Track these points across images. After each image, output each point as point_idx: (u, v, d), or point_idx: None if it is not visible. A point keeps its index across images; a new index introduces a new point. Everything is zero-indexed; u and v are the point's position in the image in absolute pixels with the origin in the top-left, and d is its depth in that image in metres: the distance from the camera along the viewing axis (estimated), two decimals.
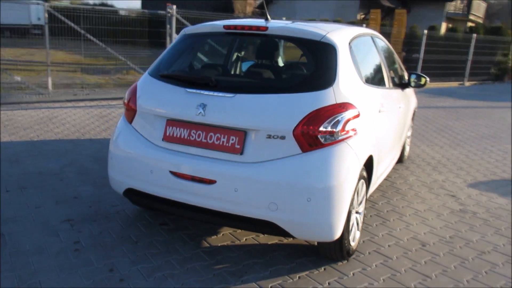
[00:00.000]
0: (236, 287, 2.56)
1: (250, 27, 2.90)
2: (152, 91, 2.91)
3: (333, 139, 2.48)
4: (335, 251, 2.76)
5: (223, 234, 3.20)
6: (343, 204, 2.50)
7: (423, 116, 8.72)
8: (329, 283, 2.63)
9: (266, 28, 2.84)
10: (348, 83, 2.69)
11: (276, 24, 2.90)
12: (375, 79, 3.39)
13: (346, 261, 2.88)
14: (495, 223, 3.65)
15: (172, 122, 2.74)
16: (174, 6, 8.58)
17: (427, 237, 3.32)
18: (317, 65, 2.68)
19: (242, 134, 2.55)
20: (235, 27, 2.95)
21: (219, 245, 3.05)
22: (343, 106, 2.54)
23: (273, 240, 3.14)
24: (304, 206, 2.43)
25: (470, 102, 11.44)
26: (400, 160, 5.17)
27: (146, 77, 3.07)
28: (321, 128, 2.45)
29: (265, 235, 3.17)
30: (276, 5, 26.92)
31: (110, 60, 10.25)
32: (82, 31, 7.75)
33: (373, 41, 3.71)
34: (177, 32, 8.80)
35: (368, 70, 3.27)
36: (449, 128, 7.74)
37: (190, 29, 3.19)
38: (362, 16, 24.52)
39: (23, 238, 3.01)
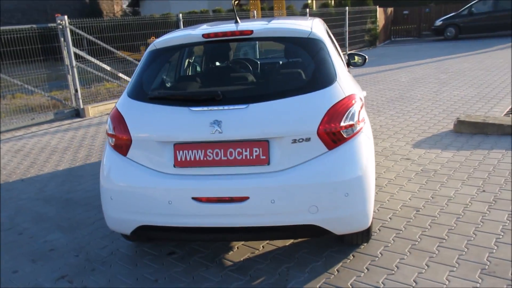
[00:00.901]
0: None
1: (233, 33, 2.80)
2: (146, 116, 2.65)
3: (351, 132, 2.55)
4: (362, 237, 2.87)
5: (238, 248, 3.11)
6: (372, 190, 2.60)
7: None
8: (367, 269, 2.74)
9: (251, 32, 2.76)
10: (343, 75, 2.76)
11: (260, 27, 2.84)
12: (345, 65, 3.53)
13: (366, 243, 3.02)
14: (456, 175, 4.10)
15: (181, 145, 2.55)
16: (66, 17, 7.81)
17: (414, 202, 3.61)
18: (315, 61, 2.70)
19: (265, 143, 2.48)
20: (216, 34, 2.81)
21: (241, 259, 2.95)
22: (351, 98, 2.61)
23: (288, 241, 3.14)
24: (343, 202, 2.47)
25: (361, 70, 12.45)
26: None
27: (128, 101, 2.79)
28: (342, 124, 2.50)
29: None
30: (147, 1, 25.95)
31: None
32: None
33: (327, 29, 3.84)
34: (74, 45, 8.07)
35: (341, 58, 3.38)
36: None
37: (161, 42, 2.95)
38: (236, 2, 24.87)
39: None
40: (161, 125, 2.60)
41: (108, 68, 8.89)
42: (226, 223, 2.53)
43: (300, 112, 2.50)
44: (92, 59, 8.47)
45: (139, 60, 9.96)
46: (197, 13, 16.08)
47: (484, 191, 3.71)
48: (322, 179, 2.46)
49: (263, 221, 2.50)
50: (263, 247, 3.09)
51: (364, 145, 2.58)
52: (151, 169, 2.61)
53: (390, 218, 3.37)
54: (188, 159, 2.54)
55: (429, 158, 4.65)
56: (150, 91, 2.77)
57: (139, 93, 2.77)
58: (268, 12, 17.77)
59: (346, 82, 2.69)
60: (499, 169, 4.13)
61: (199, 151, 2.53)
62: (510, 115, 6.23)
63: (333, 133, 2.48)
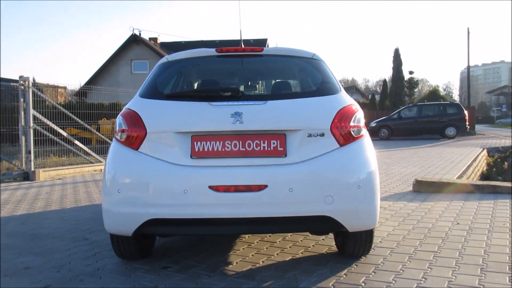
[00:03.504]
0: None
1: (244, 49, 3.05)
2: (163, 110, 2.70)
3: (358, 133, 2.75)
4: (366, 243, 2.90)
5: (237, 262, 3.00)
6: (378, 189, 2.73)
7: None
8: (374, 272, 2.74)
9: (261, 49, 3.04)
10: (343, 89, 3.05)
11: (268, 47, 3.13)
12: None
13: (365, 256, 3.05)
14: (428, 216, 4.33)
15: (199, 137, 2.59)
16: (30, 78, 7.77)
17: (398, 231, 3.73)
18: (322, 75, 2.98)
19: (282, 136, 2.60)
20: (228, 50, 3.05)
21: (244, 270, 2.85)
22: (354, 106, 2.86)
23: (287, 256, 3.09)
24: (355, 193, 2.57)
25: None
26: None
27: (141, 100, 2.83)
28: (351, 124, 2.71)
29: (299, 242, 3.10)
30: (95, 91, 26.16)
31: None
32: None
33: None
34: (35, 107, 7.95)
35: None
36: None
37: (174, 56, 3.13)
38: None
39: None
40: (180, 116, 2.65)
41: (65, 134, 8.70)
42: (243, 213, 2.50)
43: (314, 110, 2.70)
44: (52, 124, 8.30)
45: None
46: None
47: (458, 223, 3.95)
48: (336, 171, 2.58)
49: (281, 211, 2.51)
50: (262, 262, 3.01)
51: (369, 146, 2.79)
52: (165, 161, 2.59)
53: (380, 241, 3.45)
54: (205, 149, 2.57)
55: (399, 206, 4.90)
56: (167, 91, 2.86)
57: (154, 93, 2.85)
58: None
59: (346, 95, 2.97)
60: (465, 212, 4.44)
61: (217, 142, 2.58)
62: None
63: (344, 132, 2.67)
